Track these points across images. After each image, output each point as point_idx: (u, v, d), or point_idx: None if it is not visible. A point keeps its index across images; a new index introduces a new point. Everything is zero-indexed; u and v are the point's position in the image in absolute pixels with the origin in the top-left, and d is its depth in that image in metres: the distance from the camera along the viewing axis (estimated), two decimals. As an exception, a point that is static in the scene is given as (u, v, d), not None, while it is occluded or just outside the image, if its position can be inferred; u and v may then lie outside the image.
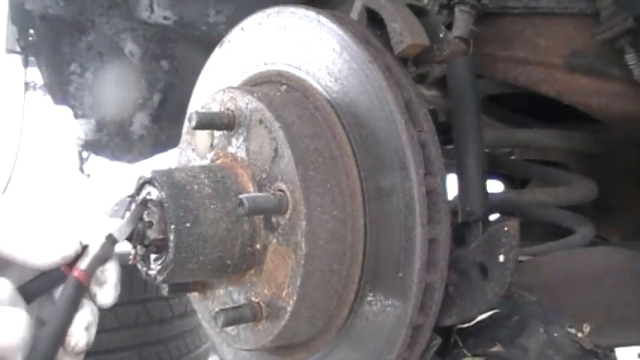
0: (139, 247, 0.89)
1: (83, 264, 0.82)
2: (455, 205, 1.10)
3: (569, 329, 0.94)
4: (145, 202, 0.87)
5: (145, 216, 0.87)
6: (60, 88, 2.15)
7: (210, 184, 0.90)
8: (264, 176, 0.89)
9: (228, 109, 0.94)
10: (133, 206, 0.88)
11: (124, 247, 0.88)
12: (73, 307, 0.80)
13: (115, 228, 0.85)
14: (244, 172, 0.92)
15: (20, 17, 2.05)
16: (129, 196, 0.86)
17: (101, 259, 0.83)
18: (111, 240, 0.84)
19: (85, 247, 0.83)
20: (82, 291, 0.81)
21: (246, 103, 0.91)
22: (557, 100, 1.30)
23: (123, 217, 0.86)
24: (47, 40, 2.06)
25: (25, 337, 0.74)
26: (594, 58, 1.19)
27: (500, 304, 0.93)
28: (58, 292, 0.81)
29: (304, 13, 0.94)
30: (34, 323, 0.78)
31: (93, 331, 0.82)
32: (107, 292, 0.83)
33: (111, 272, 0.84)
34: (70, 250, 0.81)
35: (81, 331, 0.80)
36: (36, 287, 0.82)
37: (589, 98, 1.25)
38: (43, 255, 0.80)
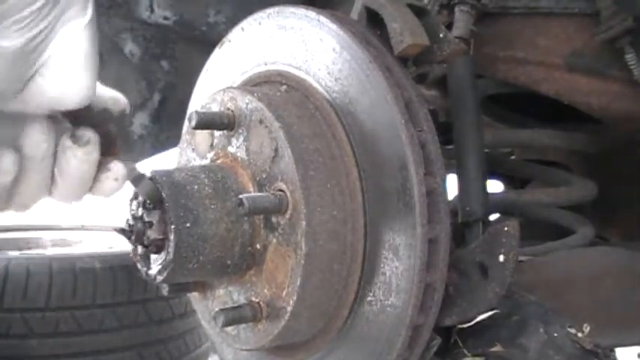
0: (139, 247, 0.89)
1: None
2: (455, 205, 1.10)
3: (569, 329, 0.94)
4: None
5: (145, 216, 0.87)
6: (60, 88, 2.14)
7: (210, 184, 0.90)
8: (264, 176, 0.89)
9: (228, 109, 0.94)
10: None
11: (123, 246, 0.88)
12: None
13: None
14: (244, 172, 0.92)
15: (20, 17, 2.04)
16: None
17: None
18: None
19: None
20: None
21: (246, 103, 0.91)
22: (557, 100, 1.30)
23: None
24: (47, 40, 2.06)
25: None
26: (594, 58, 1.19)
27: (500, 304, 0.93)
28: None
29: (304, 13, 0.94)
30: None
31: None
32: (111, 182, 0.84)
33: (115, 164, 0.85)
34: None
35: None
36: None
37: (589, 98, 1.25)
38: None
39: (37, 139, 0.77)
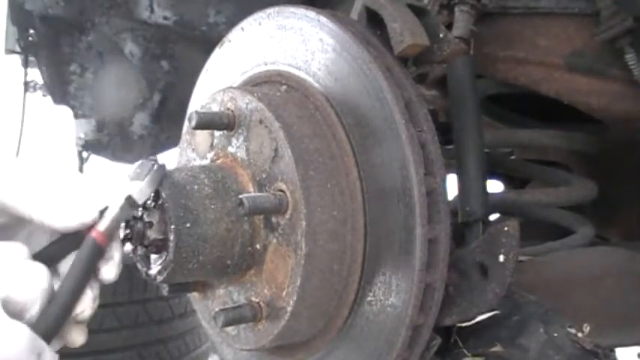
0: (139, 247, 0.89)
1: (102, 225, 0.79)
2: (455, 205, 1.10)
3: (569, 329, 0.94)
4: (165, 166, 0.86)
5: (145, 216, 0.87)
6: (60, 88, 2.15)
7: (211, 184, 0.90)
8: (264, 176, 0.89)
9: (228, 109, 0.94)
10: (154, 168, 0.86)
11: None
12: (90, 268, 0.79)
13: (134, 190, 0.83)
14: (244, 172, 0.92)
15: (20, 17, 2.04)
16: (150, 159, 0.84)
17: (120, 221, 0.81)
18: (130, 202, 0.82)
19: (104, 209, 0.81)
20: (99, 252, 0.79)
21: (246, 103, 0.91)
22: (557, 100, 1.30)
23: (143, 180, 0.85)
24: (47, 40, 2.06)
25: (45, 290, 0.75)
26: (594, 58, 1.19)
27: (500, 304, 0.93)
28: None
29: (304, 13, 0.94)
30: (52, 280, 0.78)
31: (96, 304, 0.81)
32: (111, 268, 0.82)
33: (116, 248, 0.82)
34: (89, 217, 0.79)
35: (88, 301, 0.79)
36: (52, 251, 0.80)
37: (589, 98, 1.25)
38: (61, 218, 0.78)
39: None
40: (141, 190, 0.83)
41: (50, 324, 0.76)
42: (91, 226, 0.79)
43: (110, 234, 0.80)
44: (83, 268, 0.79)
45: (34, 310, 0.74)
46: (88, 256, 0.79)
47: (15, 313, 0.72)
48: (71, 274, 0.78)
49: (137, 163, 0.87)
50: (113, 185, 0.83)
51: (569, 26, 1.21)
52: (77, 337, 0.81)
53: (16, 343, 0.69)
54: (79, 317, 0.79)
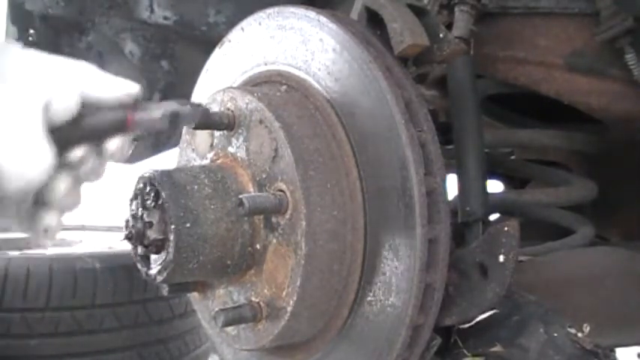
0: (139, 247, 0.89)
1: (139, 115, 0.81)
2: (455, 205, 1.10)
3: (569, 329, 0.94)
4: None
5: (145, 216, 0.87)
6: (60, 88, 2.14)
7: (210, 184, 0.90)
8: (264, 176, 0.89)
9: (228, 109, 0.94)
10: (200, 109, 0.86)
11: (123, 246, 0.87)
12: (110, 130, 0.81)
13: (184, 111, 0.82)
14: (244, 172, 0.92)
15: (20, 17, 2.04)
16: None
17: (154, 124, 0.82)
18: (174, 116, 0.82)
19: (151, 108, 0.82)
20: (123, 127, 0.81)
21: (246, 103, 0.91)
22: (557, 100, 1.30)
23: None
24: (47, 40, 2.06)
25: (45, 176, 0.76)
26: (594, 58, 1.19)
27: (500, 304, 0.93)
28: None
29: (304, 13, 0.94)
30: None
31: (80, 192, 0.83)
32: (116, 142, 0.82)
33: (128, 138, 0.84)
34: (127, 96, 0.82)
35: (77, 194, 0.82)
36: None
37: (589, 98, 1.25)
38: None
39: None
40: (186, 116, 0.82)
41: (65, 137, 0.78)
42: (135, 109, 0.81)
43: (139, 125, 0.81)
44: (104, 124, 0.81)
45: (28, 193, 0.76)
46: (113, 123, 0.81)
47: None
48: (92, 121, 0.80)
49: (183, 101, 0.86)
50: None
51: (569, 26, 1.21)
52: (51, 220, 0.81)
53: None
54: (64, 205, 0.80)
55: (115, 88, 0.82)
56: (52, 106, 0.76)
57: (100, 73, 0.83)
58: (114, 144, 0.82)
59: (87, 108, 0.81)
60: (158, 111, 0.82)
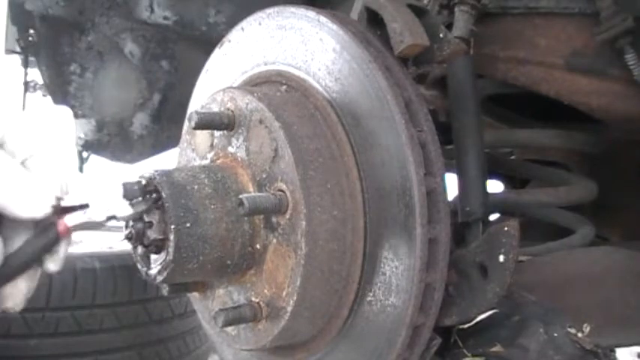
0: (139, 247, 0.89)
1: (73, 221, 0.82)
2: (455, 205, 1.10)
3: (569, 329, 0.94)
4: (156, 200, 0.87)
5: (145, 216, 0.87)
6: (60, 88, 2.15)
7: (211, 184, 0.90)
8: (264, 176, 0.89)
9: (228, 109, 0.94)
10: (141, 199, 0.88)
11: (123, 246, 0.88)
12: (42, 253, 0.82)
13: (121, 213, 0.85)
14: (244, 172, 0.92)
15: (20, 17, 2.05)
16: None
17: (91, 229, 0.84)
18: (110, 219, 0.85)
19: (85, 205, 0.83)
20: (58, 243, 0.82)
21: (246, 103, 0.91)
22: (557, 100, 1.30)
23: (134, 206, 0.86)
24: (47, 40, 2.06)
25: None
26: (594, 58, 1.19)
27: (500, 304, 0.93)
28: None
29: (304, 13, 0.94)
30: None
31: (29, 296, 0.84)
32: (56, 260, 0.84)
33: (65, 244, 0.85)
34: (40, 213, 0.81)
35: (21, 296, 0.82)
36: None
37: (589, 98, 1.25)
38: (17, 206, 0.80)
39: None
40: (125, 215, 0.85)
41: None
42: (64, 215, 0.82)
43: (72, 232, 0.83)
44: (36, 252, 0.81)
45: None
46: (46, 243, 0.81)
47: None
48: (22, 251, 0.80)
49: (135, 181, 0.87)
50: (105, 189, 0.85)
51: (569, 26, 1.21)
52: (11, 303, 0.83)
53: None
54: (7, 310, 0.81)
55: (36, 198, 0.80)
56: None
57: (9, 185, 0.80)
58: (55, 262, 0.83)
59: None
60: (98, 209, 0.83)
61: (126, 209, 0.85)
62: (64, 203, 0.83)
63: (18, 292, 0.82)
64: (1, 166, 0.80)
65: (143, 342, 2.43)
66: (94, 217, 0.83)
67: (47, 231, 0.82)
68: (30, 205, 0.80)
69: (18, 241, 0.82)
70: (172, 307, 2.53)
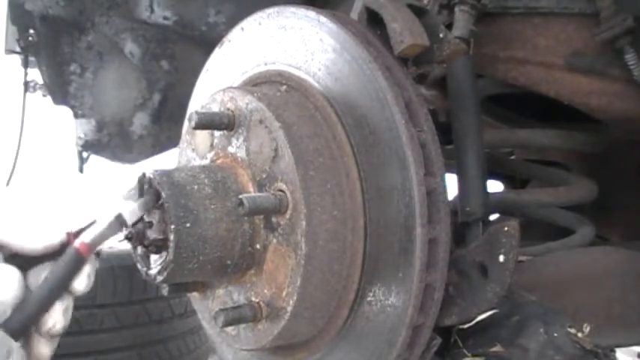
0: (139, 247, 0.89)
1: (87, 237, 0.82)
2: (455, 205, 1.10)
3: (569, 329, 0.94)
4: (158, 193, 0.87)
5: (145, 216, 0.87)
6: (60, 88, 2.15)
7: (211, 184, 0.90)
8: (264, 176, 0.89)
9: (228, 109, 0.94)
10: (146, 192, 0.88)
11: (123, 246, 0.88)
12: (69, 275, 0.81)
13: (127, 209, 0.85)
14: (244, 172, 0.92)
15: (20, 17, 2.05)
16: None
17: (106, 236, 0.84)
18: (120, 220, 0.84)
19: (92, 222, 0.83)
20: (80, 261, 0.82)
21: (246, 103, 0.91)
22: (557, 100, 1.30)
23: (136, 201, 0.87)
24: (47, 40, 2.06)
25: (17, 295, 0.77)
26: (594, 58, 1.19)
27: (500, 304, 0.93)
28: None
29: (304, 13, 0.94)
30: (26, 286, 0.80)
31: (69, 314, 0.84)
32: (81, 279, 0.84)
33: (90, 261, 0.85)
34: (55, 240, 0.82)
35: (59, 314, 0.82)
36: (27, 259, 0.83)
37: (589, 98, 1.25)
38: (27, 241, 0.81)
39: None
40: (132, 211, 0.85)
41: (21, 324, 0.77)
42: (77, 237, 0.82)
43: (93, 246, 0.83)
44: (62, 274, 0.81)
45: (5, 312, 0.76)
46: (69, 265, 0.81)
47: None
48: (49, 278, 0.80)
49: (132, 185, 0.88)
50: (105, 201, 0.86)
51: (569, 26, 1.21)
52: (44, 350, 0.82)
53: None
54: (52, 331, 0.81)
55: (46, 229, 0.82)
56: None
57: (25, 212, 0.82)
58: (81, 282, 0.83)
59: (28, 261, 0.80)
60: (104, 219, 0.83)
61: (129, 207, 0.85)
62: (74, 228, 0.84)
63: (56, 315, 0.82)
64: (9, 205, 0.82)
65: (143, 342, 2.43)
66: (104, 225, 0.84)
67: (67, 254, 0.82)
68: (44, 236, 0.82)
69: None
70: (172, 307, 2.53)
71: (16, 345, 0.76)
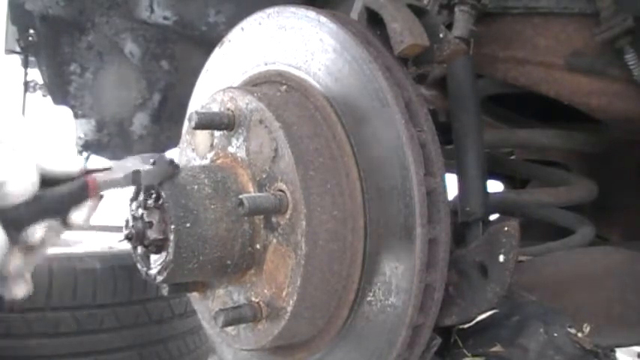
0: (139, 247, 0.89)
1: (100, 177, 0.85)
2: (455, 205, 1.10)
3: (569, 329, 0.94)
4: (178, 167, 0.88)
5: (145, 216, 0.87)
6: (60, 88, 2.15)
7: (211, 184, 0.90)
8: (264, 176, 0.89)
9: (228, 109, 0.94)
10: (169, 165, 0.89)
11: (123, 246, 0.88)
12: (68, 198, 0.84)
13: (144, 169, 0.86)
14: (244, 172, 0.92)
15: (20, 17, 2.05)
16: (170, 158, 0.89)
17: (117, 184, 0.86)
18: (135, 176, 0.86)
19: (108, 168, 0.87)
20: (85, 193, 0.84)
21: (246, 103, 0.91)
22: (557, 100, 1.30)
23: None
24: (47, 40, 2.06)
25: (33, 185, 0.81)
26: (594, 58, 1.19)
27: (500, 304, 0.93)
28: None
29: (304, 13, 0.94)
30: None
31: (51, 236, 0.87)
32: (81, 213, 0.87)
33: (94, 202, 0.87)
34: (75, 168, 0.86)
35: (41, 228, 0.84)
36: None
37: (589, 98, 1.25)
38: (54, 163, 0.85)
39: None
40: (148, 173, 0.86)
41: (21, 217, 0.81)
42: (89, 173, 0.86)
43: (101, 187, 0.86)
44: (62, 195, 0.84)
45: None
46: (73, 190, 0.85)
47: None
48: (48, 195, 0.83)
49: (156, 155, 0.89)
50: (128, 160, 0.89)
51: (569, 26, 1.21)
52: (19, 290, 0.86)
53: None
54: (28, 242, 0.83)
55: (69, 158, 0.85)
56: (8, 187, 0.78)
57: (53, 143, 0.87)
58: (79, 215, 0.84)
59: (45, 182, 0.83)
60: (120, 171, 0.85)
61: (147, 169, 0.86)
62: (89, 166, 0.87)
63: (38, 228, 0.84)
64: (30, 139, 0.85)
65: (143, 342, 2.43)
66: (119, 173, 0.86)
67: (76, 181, 0.85)
68: (65, 160, 0.85)
69: None
70: (172, 307, 2.53)
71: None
